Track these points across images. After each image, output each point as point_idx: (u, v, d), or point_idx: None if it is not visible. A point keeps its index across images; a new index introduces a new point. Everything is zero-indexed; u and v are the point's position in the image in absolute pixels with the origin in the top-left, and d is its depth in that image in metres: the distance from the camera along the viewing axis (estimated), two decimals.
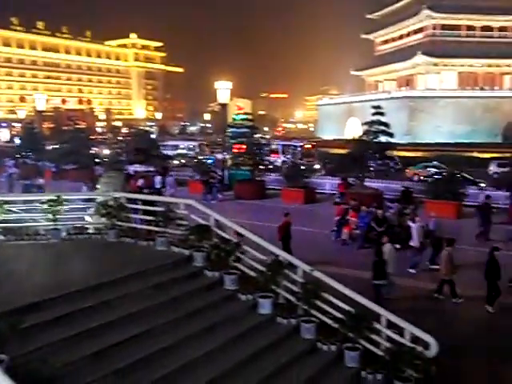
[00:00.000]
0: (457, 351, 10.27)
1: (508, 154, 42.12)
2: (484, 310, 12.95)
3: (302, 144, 50.07)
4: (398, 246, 18.39)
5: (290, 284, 10.25)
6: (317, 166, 40.21)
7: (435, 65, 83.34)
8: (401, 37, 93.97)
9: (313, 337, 9.40)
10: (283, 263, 10.30)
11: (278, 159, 45.42)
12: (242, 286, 10.25)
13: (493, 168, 40.06)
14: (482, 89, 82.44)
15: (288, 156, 46.47)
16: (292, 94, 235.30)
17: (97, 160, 39.09)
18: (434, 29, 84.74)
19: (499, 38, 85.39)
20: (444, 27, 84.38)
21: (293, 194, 28.88)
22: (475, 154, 56.76)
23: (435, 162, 40.89)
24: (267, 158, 37.00)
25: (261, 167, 31.36)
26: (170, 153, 49.16)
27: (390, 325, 9.23)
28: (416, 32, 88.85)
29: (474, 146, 63.95)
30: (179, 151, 53.97)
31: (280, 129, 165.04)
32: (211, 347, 8.41)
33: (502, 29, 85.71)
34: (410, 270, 15.94)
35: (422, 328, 9.02)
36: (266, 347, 8.89)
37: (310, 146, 51.42)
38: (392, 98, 78.00)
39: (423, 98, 78.58)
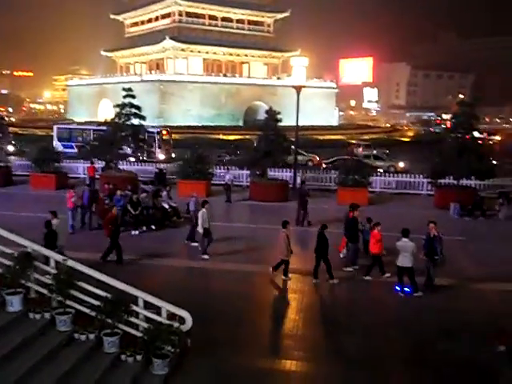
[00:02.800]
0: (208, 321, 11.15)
1: (248, 136, 46.43)
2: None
3: (158, 130, 43.07)
4: (153, 227, 19.09)
5: (42, 276, 9.75)
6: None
7: (183, 50, 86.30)
8: (150, 20, 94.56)
9: (69, 328, 9.14)
10: (33, 255, 9.71)
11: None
12: None
13: None
14: (225, 75, 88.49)
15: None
16: (39, 73, 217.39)
17: None
18: (181, 15, 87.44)
19: (237, 29, 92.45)
20: (189, 15, 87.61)
21: (43, 180, 27.15)
22: (221, 136, 61.14)
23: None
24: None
25: None
26: None
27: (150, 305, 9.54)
28: (164, 17, 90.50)
29: (219, 128, 68.81)
30: None
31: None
32: None
33: (239, 21, 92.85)
34: (204, 257, 16.11)
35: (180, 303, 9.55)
36: (18, 347, 8.34)
37: (165, 132, 44.14)
38: (143, 81, 78.47)
39: (173, 82, 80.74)
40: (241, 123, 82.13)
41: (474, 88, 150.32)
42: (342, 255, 15.85)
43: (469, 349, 10.43)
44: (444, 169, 24.64)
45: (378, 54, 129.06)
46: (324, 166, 35.69)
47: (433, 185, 26.45)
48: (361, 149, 45.67)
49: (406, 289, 13.54)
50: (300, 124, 29.10)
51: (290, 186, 27.26)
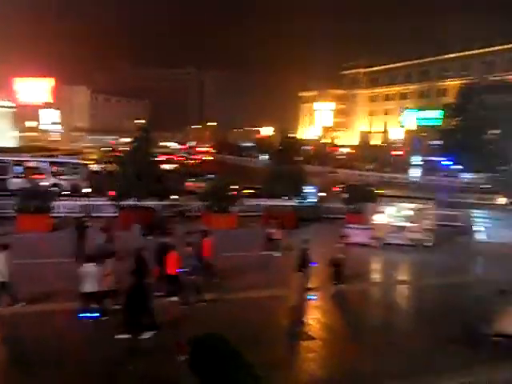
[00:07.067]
0: None
1: None
2: None
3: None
4: None
5: None
6: None
7: None
8: None
9: None
10: None
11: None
12: None
13: None
14: None
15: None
16: None
17: None
18: None
19: None
20: None
21: None
22: None
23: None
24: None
25: None
26: None
27: None
28: None
29: None
30: None
31: None
32: None
33: None
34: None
35: None
36: None
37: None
38: None
39: None
40: None
41: (150, 114, 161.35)
42: None
43: (156, 363, 11.08)
44: (126, 191, 25.64)
45: (58, 75, 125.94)
46: None
47: (116, 207, 27.15)
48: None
49: (96, 314, 13.49)
50: None
51: None
